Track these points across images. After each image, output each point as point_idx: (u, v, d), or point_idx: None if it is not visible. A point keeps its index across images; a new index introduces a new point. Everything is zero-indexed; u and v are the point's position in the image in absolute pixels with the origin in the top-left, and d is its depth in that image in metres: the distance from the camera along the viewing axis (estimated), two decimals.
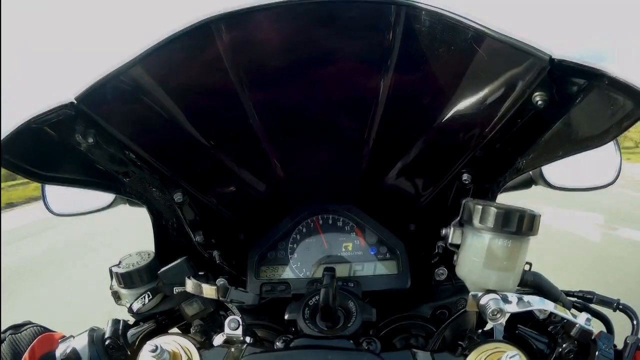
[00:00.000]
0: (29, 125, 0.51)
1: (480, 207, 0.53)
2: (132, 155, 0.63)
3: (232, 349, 0.55)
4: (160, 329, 0.68)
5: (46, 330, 0.64)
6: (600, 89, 0.46)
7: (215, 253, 0.77)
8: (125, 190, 0.69)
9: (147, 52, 0.47)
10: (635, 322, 0.63)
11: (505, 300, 0.52)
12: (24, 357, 0.58)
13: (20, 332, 0.62)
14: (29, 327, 0.63)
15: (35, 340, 0.60)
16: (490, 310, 0.51)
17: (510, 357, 0.49)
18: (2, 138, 0.51)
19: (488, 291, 0.53)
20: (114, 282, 0.69)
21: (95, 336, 0.61)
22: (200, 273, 0.67)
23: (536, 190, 1.04)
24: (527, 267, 0.58)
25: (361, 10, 0.47)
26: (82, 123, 0.56)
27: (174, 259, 0.67)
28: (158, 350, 0.51)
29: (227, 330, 0.57)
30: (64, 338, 0.62)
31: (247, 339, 0.59)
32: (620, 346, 0.57)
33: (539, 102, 0.49)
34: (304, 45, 0.52)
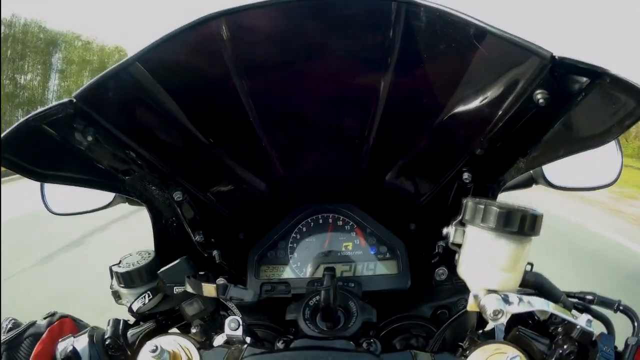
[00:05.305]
0: (28, 123, 0.51)
1: (482, 206, 0.52)
2: (132, 153, 0.63)
3: (232, 349, 0.55)
4: (161, 329, 0.68)
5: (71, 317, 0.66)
6: (602, 87, 0.45)
7: (215, 252, 0.77)
8: (125, 189, 0.69)
9: (147, 49, 0.47)
10: (636, 323, 0.62)
11: (507, 300, 0.52)
12: (42, 338, 0.59)
13: (45, 319, 0.63)
14: (56, 316, 0.64)
15: (55, 323, 0.62)
16: (491, 311, 0.51)
17: (511, 358, 0.49)
18: (1, 136, 0.51)
19: (489, 291, 0.53)
20: (114, 282, 0.69)
21: (95, 336, 0.61)
22: (200, 273, 0.67)
23: None
24: (528, 268, 0.58)
25: (361, 8, 0.47)
26: (81, 121, 0.55)
27: (174, 259, 0.66)
28: (158, 350, 0.51)
29: (227, 330, 0.57)
30: (63, 338, 0.61)
31: (248, 339, 0.59)
32: (621, 347, 0.57)
33: (540, 101, 0.49)
34: (304, 43, 0.51)
